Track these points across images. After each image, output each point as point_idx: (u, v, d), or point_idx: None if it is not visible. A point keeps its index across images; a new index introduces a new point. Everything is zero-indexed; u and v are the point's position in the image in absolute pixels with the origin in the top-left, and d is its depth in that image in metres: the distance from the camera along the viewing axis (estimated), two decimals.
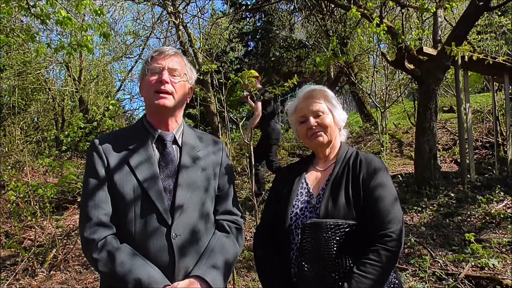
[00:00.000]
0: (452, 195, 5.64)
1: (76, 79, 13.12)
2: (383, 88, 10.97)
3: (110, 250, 1.36)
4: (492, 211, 4.86)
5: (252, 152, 3.82)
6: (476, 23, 7.29)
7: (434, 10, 5.96)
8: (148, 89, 1.52)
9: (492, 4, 5.91)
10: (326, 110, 1.65)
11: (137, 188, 1.43)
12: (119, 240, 1.41)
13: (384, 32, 5.53)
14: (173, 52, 1.57)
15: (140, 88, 1.60)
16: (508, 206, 5.10)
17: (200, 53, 8.95)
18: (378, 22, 5.45)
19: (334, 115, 1.66)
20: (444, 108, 12.30)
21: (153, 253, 1.40)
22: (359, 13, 5.81)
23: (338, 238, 1.44)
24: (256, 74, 5.96)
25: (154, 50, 1.58)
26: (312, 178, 1.65)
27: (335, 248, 1.44)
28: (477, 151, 7.97)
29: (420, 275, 3.63)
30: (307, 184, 1.63)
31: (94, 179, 1.44)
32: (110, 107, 4.91)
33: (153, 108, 1.54)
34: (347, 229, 1.45)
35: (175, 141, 1.56)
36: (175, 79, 1.53)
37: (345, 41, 9.07)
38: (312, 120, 1.63)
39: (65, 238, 5.24)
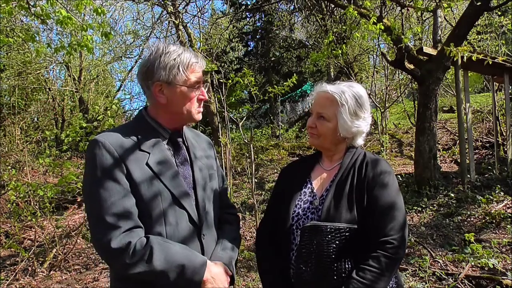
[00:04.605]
0: (452, 195, 5.64)
1: (76, 79, 13.12)
2: (383, 88, 10.98)
3: (144, 252, 1.30)
4: (492, 211, 4.87)
5: (252, 152, 3.81)
6: (476, 23, 7.29)
7: (432, 9, 5.97)
8: (188, 104, 1.47)
9: (492, 4, 5.91)
10: (330, 116, 1.55)
11: (164, 193, 1.40)
12: None
13: (381, 30, 5.53)
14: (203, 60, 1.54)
15: (158, 89, 1.43)
16: (508, 206, 5.10)
17: (200, 53, 8.95)
18: (375, 21, 5.45)
19: (339, 123, 1.55)
20: (444, 108, 12.31)
21: None
22: (356, 12, 5.82)
23: (338, 242, 1.42)
24: None
25: (191, 60, 1.44)
26: (317, 177, 1.63)
27: (334, 252, 1.42)
28: (477, 151, 7.97)
29: (420, 275, 3.63)
30: (311, 184, 1.61)
31: (113, 183, 1.33)
32: (113, 106, 4.91)
33: (186, 120, 1.52)
34: (348, 233, 1.43)
35: (183, 141, 1.56)
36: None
37: (345, 41, 9.07)
38: (312, 120, 1.61)
39: (65, 238, 5.24)
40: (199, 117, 1.52)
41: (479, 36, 9.40)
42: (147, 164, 1.39)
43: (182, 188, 1.44)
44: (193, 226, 1.45)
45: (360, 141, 1.63)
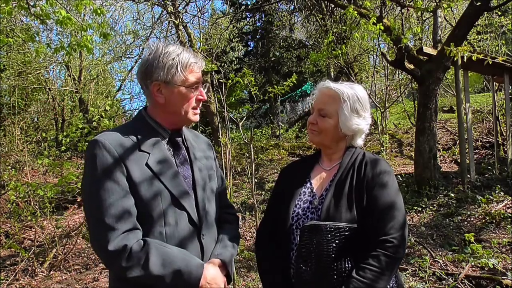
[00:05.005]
0: (452, 195, 5.64)
1: (76, 79, 13.11)
2: (383, 88, 10.98)
3: (140, 256, 1.30)
4: (492, 211, 4.87)
5: (252, 152, 3.82)
6: (476, 23, 7.29)
7: (432, 9, 5.96)
8: (186, 104, 1.47)
9: (492, 4, 5.91)
10: (331, 113, 1.57)
11: (164, 193, 1.39)
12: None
13: (381, 30, 5.53)
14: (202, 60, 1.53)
15: (156, 89, 1.44)
16: (508, 206, 5.10)
17: (200, 53, 8.95)
18: (375, 21, 5.45)
19: (340, 120, 1.56)
20: (444, 108, 12.31)
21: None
22: (356, 12, 5.82)
23: (337, 241, 1.42)
24: None
25: (190, 60, 1.44)
26: (317, 177, 1.63)
27: (334, 251, 1.42)
28: (477, 151, 7.97)
29: (420, 275, 3.63)
30: (310, 184, 1.62)
31: (113, 183, 1.32)
32: (107, 107, 4.92)
33: (183, 121, 1.52)
34: (347, 233, 1.43)
35: (182, 141, 1.56)
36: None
37: (345, 41, 9.07)
38: (313, 117, 1.61)
39: (65, 238, 5.24)
40: (195, 118, 1.52)
41: (479, 36, 9.40)
42: (147, 164, 1.39)
43: (182, 188, 1.44)
44: (193, 226, 1.45)
45: (359, 141, 1.65)
